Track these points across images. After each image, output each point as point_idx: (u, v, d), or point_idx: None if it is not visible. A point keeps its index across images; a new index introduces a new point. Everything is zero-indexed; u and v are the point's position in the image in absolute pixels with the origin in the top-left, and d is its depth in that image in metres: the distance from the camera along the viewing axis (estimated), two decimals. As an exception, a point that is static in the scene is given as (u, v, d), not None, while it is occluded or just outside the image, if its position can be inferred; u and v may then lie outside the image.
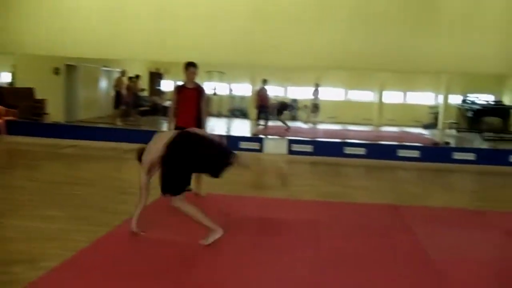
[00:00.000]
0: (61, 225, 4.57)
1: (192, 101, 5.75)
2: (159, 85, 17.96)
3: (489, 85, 17.23)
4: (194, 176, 5.89)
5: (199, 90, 5.82)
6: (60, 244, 4.02)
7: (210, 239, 4.15)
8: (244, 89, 17.89)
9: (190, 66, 5.74)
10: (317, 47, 9.72)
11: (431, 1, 9.94)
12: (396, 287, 3.53)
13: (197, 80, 5.94)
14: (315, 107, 14.78)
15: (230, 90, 18.65)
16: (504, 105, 16.64)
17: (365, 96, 17.30)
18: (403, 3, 9.91)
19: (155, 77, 17.86)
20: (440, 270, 3.86)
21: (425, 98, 17.78)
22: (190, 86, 5.78)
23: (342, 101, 17.80)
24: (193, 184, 5.98)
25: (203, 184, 5.94)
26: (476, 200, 6.91)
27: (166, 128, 5.94)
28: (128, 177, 7.30)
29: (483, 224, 5.28)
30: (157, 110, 15.01)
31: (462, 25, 9.65)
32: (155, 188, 5.79)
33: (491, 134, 13.79)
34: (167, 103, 10.66)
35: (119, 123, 11.96)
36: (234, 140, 9.82)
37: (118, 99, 12.60)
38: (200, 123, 5.79)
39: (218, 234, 4.17)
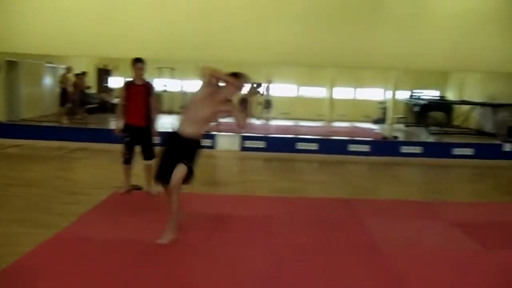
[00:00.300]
0: (3, 229, 4.33)
1: (141, 98, 5.60)
2: (107, 82, 17.44)
3: (434, 81, 17.91)
4: (145, 175, 5.77)
5: (147, 86, 5.68)
6: (2, 249, 3.80)
7: (166, 239, 4.07)
8: (196, 86, 17.69)
9: (138, 62, 5.59)
10: (269, 43, 9.71)
11: (380, 0, 10.16)
12: (349, 278, 3.60)
13: (147, 76, 5.79)
14: (267, 103, 14.80)
15: (182, 86, 18.37)
16: (447, 100, 17.33)
17: (317, 92, 17.50)
18: (353, 1, 10.07)
19: (103, 73, 17.32)
20: (389, 259, 3.96)
21: (374, 93, 18.21)
22: (138, 82, 5.63)
23: (294, 97, 17.92)
24: (144, 183, 5.86)
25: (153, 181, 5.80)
26: (423, 192, 7.14)
27: (115, 126, 5.74)
28: (75, 177, 7.05)
29: (429, 215, 5.44)
30: (105, 108, 14.58)
31: (409, 23, 9.92)
32: (105, 188, 5.59)
33: (436, 128, 14.29)
34: (116, 100, 10.34)
35: (65, 122, 11.51)
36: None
37: (64, 96, 12.11)
38: (149, 120, 5.66)
39: (174, 235, 4.11)
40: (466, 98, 16.26)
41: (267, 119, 14.68)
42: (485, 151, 9.83)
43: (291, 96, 17.93)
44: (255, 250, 4.07)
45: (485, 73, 14.43)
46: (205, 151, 8.59)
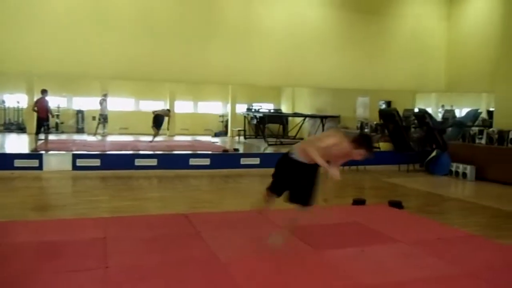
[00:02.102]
0: None
1: None
2: None
3: (269, 95, 19.00)
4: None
5: None
6: None
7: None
8: (19, 100, 15.93)
9: None
10: (102, 56, 9.22)
11: (215, 15, 10.37)
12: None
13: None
14: (103, 118, 14.03)
15: (2, 101, 16.47)
16: (282, 113, 18.51)
17: (156, 106, 17.21)
18: (189, 16, 10.11)
19: None
20: (228, 270, 3.94)
21: (214, 107, 18.59)
22: None
23: (132, 112, 17.35)
24: None
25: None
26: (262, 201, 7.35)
27: None
28: None
29: (267, 223, 5.59)
30: None
31: (243, 40, 10.33)
32: None
33: (273, 139, 15.10)
34: None
35: None
36: (8, 158, 8.61)
37: None
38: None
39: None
40: (298, 111, 17.55)
41: (104, 135, 13.92)
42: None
43: (129, 110, 17.32)
44: (88, 276, 3.69)
45: (313, 88, 15.76)
46: (30, 173, 7.71)
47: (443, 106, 13.41)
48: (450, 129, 11.36)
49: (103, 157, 9.20)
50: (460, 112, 12.73)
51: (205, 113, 18.53)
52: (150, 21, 9.70)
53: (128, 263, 4.04)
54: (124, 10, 9.50)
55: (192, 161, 9.57)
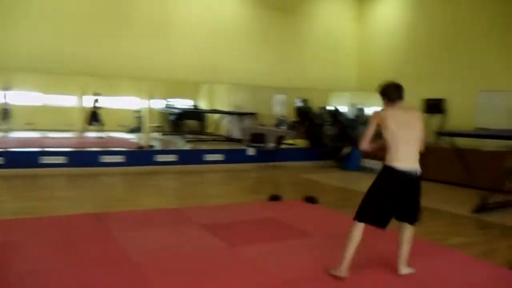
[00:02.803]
0: None
1: None
2: None
3: (187, 90, 18.66)
4: None
5: None
6: None
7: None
8: None
9: None
10: (5, 47, 8.53)
11: (129, 7, 10.00)
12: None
13: None
14: (5, 113, 12.99)
15: None
16: (200, 109, 18.30)
17: (66, 101, 16.25)
18: (99, 6, 9.68)
19: None
20: (141, 269, 3.80)
21: (129, 102, 17.94)
22: None
23: (40, 106, 16.24)
24: None
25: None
26: (177, 198, 7.21)
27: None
28: None
29: (181, 220, 5.50)
30: None
31: (160, 35, 10.08)
32: None
33: (191, 136, 14.87)
34: None
35: None
36: None
37: None
38: None
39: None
40: (216, 107, 17.45)
41: (6, 131, 12.92)
42: (233, 156, 10.63)
43: (36, 104, 16.19)
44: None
45: (231, 85, 15.75)
46: None
47: (354, 104, 13.99)
48: (361, 126, 11.87)
49: (5, 154, 8.50)
50: (370, 111, 13.37)
51: (119, 108, 17.81)
52: (59, 11, 9.14)
53: (34, 269, 3.74)
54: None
55: (105, 158, 9.15)
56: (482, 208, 6.35)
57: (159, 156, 9.78)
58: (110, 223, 5.24)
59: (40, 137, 11.97)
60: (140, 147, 10.52)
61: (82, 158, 9.02)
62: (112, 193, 7.36)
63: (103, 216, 5.51)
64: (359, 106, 13.63)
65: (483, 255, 4.44)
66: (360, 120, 12.24)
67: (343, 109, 12.98)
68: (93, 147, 9.80)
